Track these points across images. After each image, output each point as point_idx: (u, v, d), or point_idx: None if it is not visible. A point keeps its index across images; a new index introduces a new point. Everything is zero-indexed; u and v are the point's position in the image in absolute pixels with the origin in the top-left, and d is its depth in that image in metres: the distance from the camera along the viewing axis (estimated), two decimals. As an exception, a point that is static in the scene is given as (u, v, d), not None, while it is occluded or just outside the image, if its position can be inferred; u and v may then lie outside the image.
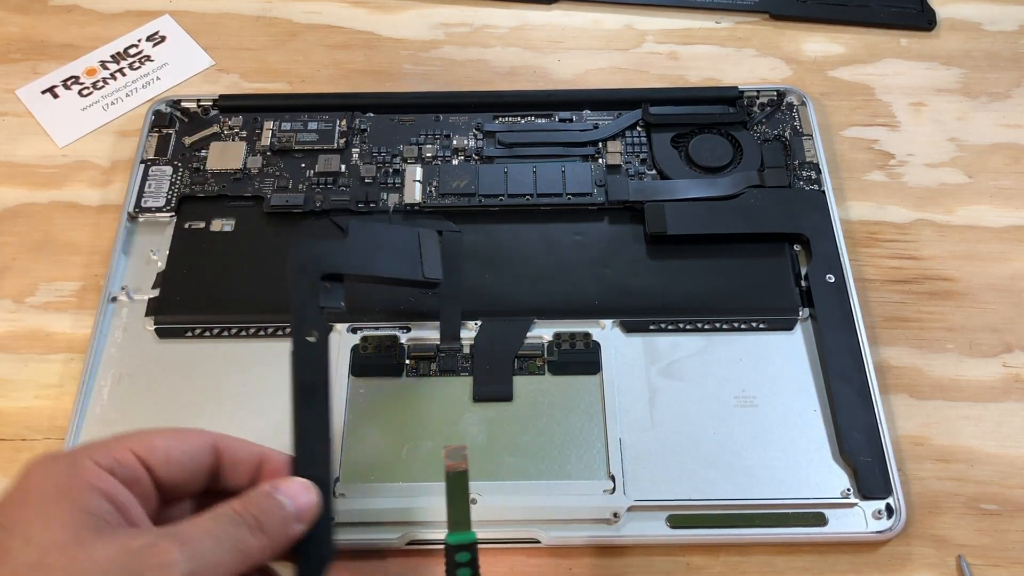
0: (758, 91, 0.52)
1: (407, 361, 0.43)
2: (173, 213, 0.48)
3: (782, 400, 0.42)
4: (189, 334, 0.44)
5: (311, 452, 0.32)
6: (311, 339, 0.35)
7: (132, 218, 0.48)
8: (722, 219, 0.47)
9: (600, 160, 0.50)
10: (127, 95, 0.54)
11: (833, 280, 0.45)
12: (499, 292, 0.45)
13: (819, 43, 0.57)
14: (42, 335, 0.45)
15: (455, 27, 0.58)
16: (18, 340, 0.45)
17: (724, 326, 0.44)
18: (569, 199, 0.48)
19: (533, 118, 0.52)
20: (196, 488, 0.30)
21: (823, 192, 0.48)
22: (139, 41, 0.57)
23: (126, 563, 0.25)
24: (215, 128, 0.51)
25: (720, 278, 0.46)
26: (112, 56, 0.56)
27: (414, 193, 0.48)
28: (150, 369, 0.43)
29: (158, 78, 0.55)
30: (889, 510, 0.39)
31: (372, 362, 0.43)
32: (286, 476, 0.30)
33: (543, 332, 0.44)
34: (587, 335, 0.44)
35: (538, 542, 0.39)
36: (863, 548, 0.39)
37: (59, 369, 0.44)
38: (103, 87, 0.55)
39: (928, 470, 0.41)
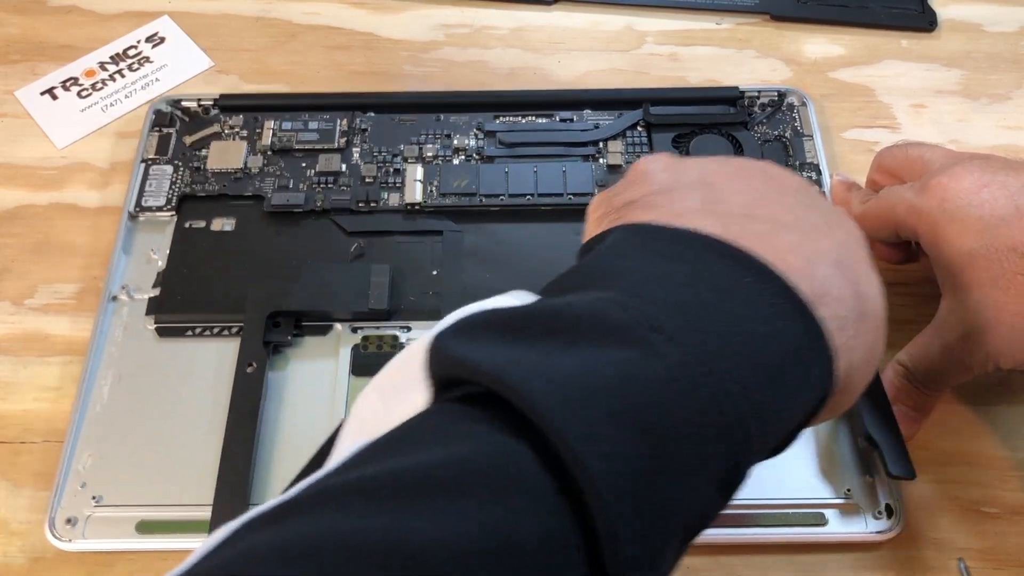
0: (759, 91, 0.52)
1: (407, 362, 0.43)
2: (174, 212, 0.48)
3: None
4: (189, 333, 0.44)
5: (235, 466, 0.39)
6: (249, 370, 0.41)
7: (133, 217, 0.48)
8: (722, 220, 0.47)
9: (601, 160, 0.50)
10: (126, 96, 0.54)
11: (834, 281, 0.45)
12: (499, 292, 0.45)
13: (819, 44, 0.57)
14: (41, 337, 0.45)
15: (455, 28, 0.58)
16: (17, 342, 0.45)
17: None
18: (570, 199, 0.48)
19: (534, 118, 0.52)
20: None
21: (823, 193, 0.48)
22: (138, 42, 0.57)
23: None
24: (216, 127, 0.51)
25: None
26: (111, 57, 0.56)
27: (415, 193, 0.48)
28: (150, 368, 0.43)
29: (157, 79, 0.55)
30: (889, 510, 0.39)
31: (373, 361, 0.43)
32: None
33: (543, 333, 0.44)
34: (587, 337, 0.44)
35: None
36: (863, 548, 0.39)
37: (58, 372, 0.44)
38: (102, 88, 0.54)
39: (928, 472, 0.41)
